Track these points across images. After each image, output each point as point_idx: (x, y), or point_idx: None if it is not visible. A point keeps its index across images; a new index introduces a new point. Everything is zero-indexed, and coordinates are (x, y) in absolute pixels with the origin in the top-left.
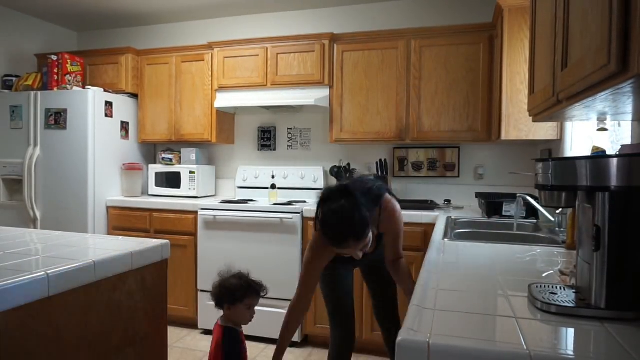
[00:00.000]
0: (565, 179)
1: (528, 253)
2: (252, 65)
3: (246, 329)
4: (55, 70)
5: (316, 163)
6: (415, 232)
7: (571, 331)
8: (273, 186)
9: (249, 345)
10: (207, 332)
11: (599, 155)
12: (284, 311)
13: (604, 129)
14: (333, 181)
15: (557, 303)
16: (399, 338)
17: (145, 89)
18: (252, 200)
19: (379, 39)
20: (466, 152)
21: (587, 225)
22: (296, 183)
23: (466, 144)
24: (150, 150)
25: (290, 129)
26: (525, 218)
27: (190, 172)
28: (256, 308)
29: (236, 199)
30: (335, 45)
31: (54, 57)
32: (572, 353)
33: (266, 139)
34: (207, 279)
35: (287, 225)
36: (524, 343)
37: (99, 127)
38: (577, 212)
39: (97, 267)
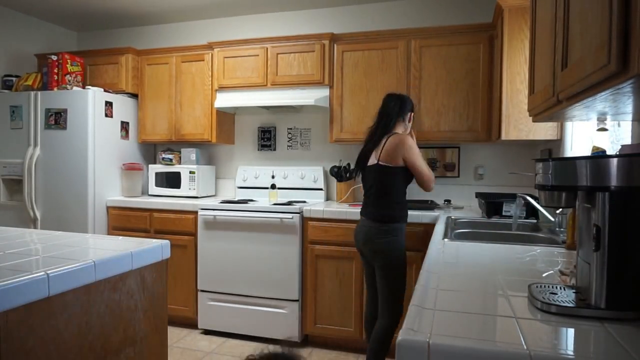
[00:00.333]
0: (565, 179)
1: (528, 253)
2: (252, 65)
3: (246, 329)
4: (55, 70)
5: (316, 163)
6: (415, 232)
7: (571, 331)
8: (273, 186)
9: (249, 345)
10: (207, 332)
11: (599, 155)
12: (284, 311)
13: (604, 129)
14: (333, 181)
15: (557, 303)
16: (399, 338)
17: (145, 89)
18: (252, 200)
19: (379, 39)
20: (466, 152)
21: (587, 225)
22: (296, 183)
23: (466, 144)
24: (150, 150)
25: (290, 129)
26: (525, 218)
27: (190, 172)
28: (256, 308)
29: (236, 199)
30: (335, 45)
31: (54, 57)
32: (572, 353)
33: (266, 139)
34: (207, 279)
35: (287, 225)
36: (524, 343)
37: (99, 127)
38: (577, 212)
39: (97, 267)
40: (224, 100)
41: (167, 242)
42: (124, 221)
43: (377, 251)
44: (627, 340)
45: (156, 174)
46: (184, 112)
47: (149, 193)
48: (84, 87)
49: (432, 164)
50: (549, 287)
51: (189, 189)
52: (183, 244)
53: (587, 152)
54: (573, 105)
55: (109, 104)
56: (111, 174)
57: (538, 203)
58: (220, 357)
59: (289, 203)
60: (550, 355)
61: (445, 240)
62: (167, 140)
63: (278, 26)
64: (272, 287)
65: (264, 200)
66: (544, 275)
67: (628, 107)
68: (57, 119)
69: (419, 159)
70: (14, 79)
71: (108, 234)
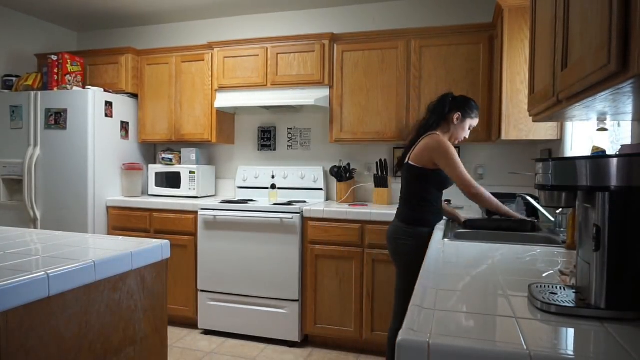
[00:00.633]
0: (565, 179)
1: (528, 253)
2: (252, 65)
3: (246, 329)
4: (55, 70)
5: (316, 163)
6: None
7: (571, 331)
8: (273, 186)
9: (249, 345)
10: (207, 332)
11: (599, 155)
12: (284, 311)
13: (604, 129)
14: (333, 181)
15: (557, 303)
16: (399, 338)
17: (145, 89)
18: (252, 200)
19: (379, 39)
20: (466, 152)
21: (587, 225)
22: (296, 183)
23: (466, 144)
24: (150, 150)
25: (290, 129)
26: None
27: (190, 172)
28: (256, 308)
29: (236, 199)
30: (335, 45)
31: (54, 57)
32: (572, 353)
33: (266, 139)
34: (207, 279)
35: (287, 225)
36: (524, 343)
37: (99, 127)
38: (577, 212)
39: (97, 267)
40: (224, 100)
41: (167, 242)
42: (124, 221)
43: (399, 253)
44: (627, 340)
45: (156, 174)
46: (184, 112)
47: (149, 193)
48: (84, 87)
49: None
50: (549, 287)
51: (189, 189)
52: (183, 244)
53: (587, 152)
54: (573, 105)
55: (109, 104)
56: (111, 174)
57: (538, 203)
58: (220, 357)
59: (289, 203)
60: (550, 355)
61: (446, 240)
62: (167, 140)
63: (278, 26)
64: (272, 287)
65: (264, 200)
66: (544, 275)
67: (628, 107)
68: (57, 119)
69: (450, 164)
70: (14, 79)
71: (108, 234)
